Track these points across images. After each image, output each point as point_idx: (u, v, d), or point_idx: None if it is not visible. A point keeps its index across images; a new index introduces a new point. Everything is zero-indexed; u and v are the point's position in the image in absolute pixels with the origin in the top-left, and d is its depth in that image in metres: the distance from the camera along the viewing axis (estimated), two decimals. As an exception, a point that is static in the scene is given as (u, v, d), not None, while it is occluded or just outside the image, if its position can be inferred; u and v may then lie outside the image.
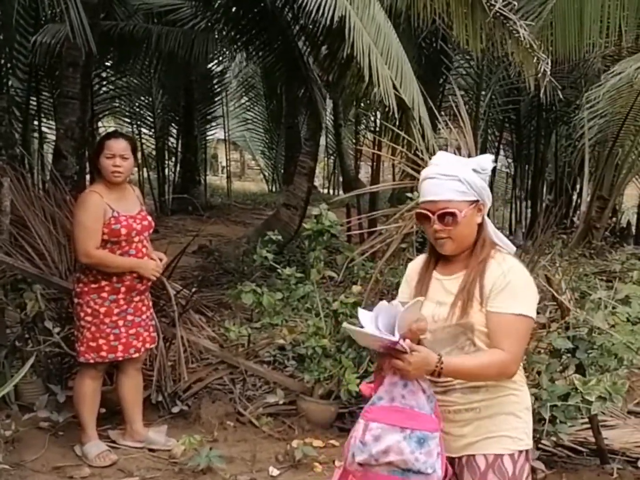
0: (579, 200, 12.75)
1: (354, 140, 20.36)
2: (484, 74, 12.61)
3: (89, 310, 4.89)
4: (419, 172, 6.00)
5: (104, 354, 4.94)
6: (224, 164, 25.75)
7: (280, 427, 5.71)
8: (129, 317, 5.00)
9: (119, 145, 4.88)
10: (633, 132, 11.03)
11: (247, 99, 21.62)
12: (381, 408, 2.63)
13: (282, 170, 21.52)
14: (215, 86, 18.39)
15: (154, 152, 17.66)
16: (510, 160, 16.39)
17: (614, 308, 5.58)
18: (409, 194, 5.89)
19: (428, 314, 2.71)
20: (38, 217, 5.72)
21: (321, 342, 5.62)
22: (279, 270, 6.19)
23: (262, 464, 5.15)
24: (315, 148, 13.08)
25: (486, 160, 2.78)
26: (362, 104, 12.97)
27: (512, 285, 2.68)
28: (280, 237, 6.32)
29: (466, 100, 13.08)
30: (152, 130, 17.10)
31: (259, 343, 6.39)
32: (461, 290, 2.72)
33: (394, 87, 8.26)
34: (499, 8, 7.29)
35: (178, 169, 17.88)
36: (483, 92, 12.69)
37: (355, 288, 5.76)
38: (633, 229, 14.56)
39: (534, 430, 4.79)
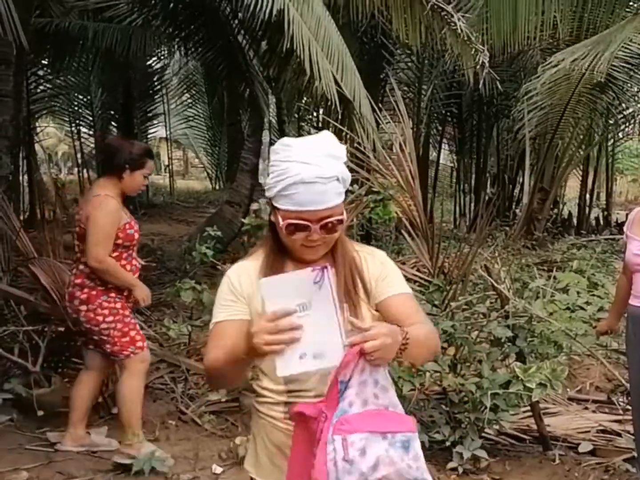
0: (520, 193, 12.86)
1: (297, 136, 20.29)
2: (425, 68, 12.63)
3: (106, 312, 4.81)
4: (362, 166, 6.01)
5: (140, 343, 4.90)
6: (167, 162, 25.57)
7: (223, 425, 5.63)
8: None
9: (153, 166, 4.98)
10: (572, 124, 11.14)
11: (188, 96, 21.38)
12: (356, 416, 2.12)
13: (226, 168, 21.36)
14: (155, 83, 18.18)
15: (94, 152, 17.40)
16: (453, 154, 16.47)
17: (552, 296, 5.63)
18: (349, 187, 5.83)
19: None
20: (-31, 216, 5.58)
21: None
22: (218, 267, 6.10)
23: (205, 462, 5.06)
24: (257, 145, 13.00)
25: (341, 146, 2.30)
26: (304, 99, 12.90)
27: (393, 272, 2.41)
28: (219, 233, 6.22)
29: (408, 94, 13.13)
30: (92, 129, 16.82)
31: (200, 340, 6.29)
32: (345, 293, 2.30)
33: (335, 80, 8.24)
34: (436, 1, 7.31)
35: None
36: (424, 87, 12.72)
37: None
38: (574, 220, 14.78)
39: (477, 419, 4.87)
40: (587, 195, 14.99)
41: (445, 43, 7.76)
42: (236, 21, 10.42)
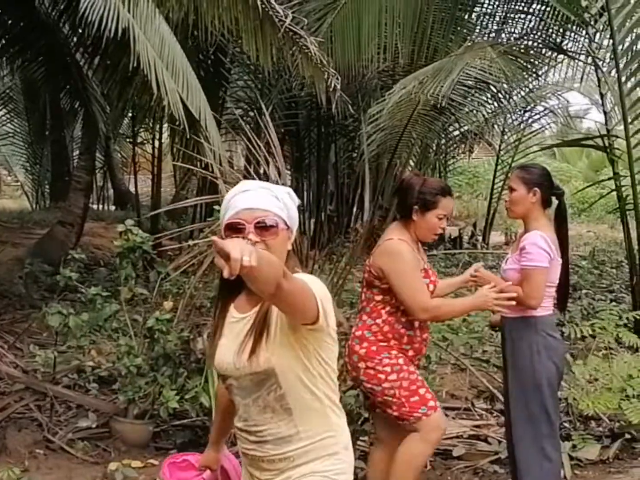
0: (360, 211, 13.24)
1: (122, 154, 19.92)
2: (265, 86, 12.79)
3: (388, 369, 4.22)
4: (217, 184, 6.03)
5: (432, 403, 4.25)
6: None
7: (94, 451, 5.51)
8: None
9: (452, 206, 4.40)
10: (409, 145, 11.67)
11: (5, 111, 20.44)
12: None
13: (49, 186, 20.58)
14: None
15: None
16: (289, 172, 16.66)
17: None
18: (216, 207, 5.87)
19: (229, 362, 2.53)
20: None
21: (135, 362, 5.46)
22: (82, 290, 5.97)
23: (80, 490, 4.97)
24: (91, 162, 12.71)
25: (295, 196, 2.61)
26: (146, 116, 12.74)
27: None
28: (84, 256, 6.08)
29: (248, 112, 13.28)
30: None
31: (64, 367, 6.11)
32: (250, 329, 2.49)
33: (181, 99, 8.23)
34: (289, 24, 7.44)
35: None
36: (263, 105, 12.84)
37: (167, 304, 5.66)
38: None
39: (354, 431, 5.02)
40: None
41: (294, 64, 7.90)
42: (74, 38, 10.12)
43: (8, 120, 20.62)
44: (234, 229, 2.44)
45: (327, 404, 2.54)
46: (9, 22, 10.44)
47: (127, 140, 18.05)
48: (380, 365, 4.20)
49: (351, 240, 11.53)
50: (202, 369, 5.37)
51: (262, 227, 2.43)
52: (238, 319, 2.55)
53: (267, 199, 2.47)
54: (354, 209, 13.70)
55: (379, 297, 4.28)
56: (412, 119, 9.88)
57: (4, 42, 10.68)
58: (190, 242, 6.00)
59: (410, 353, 4.29)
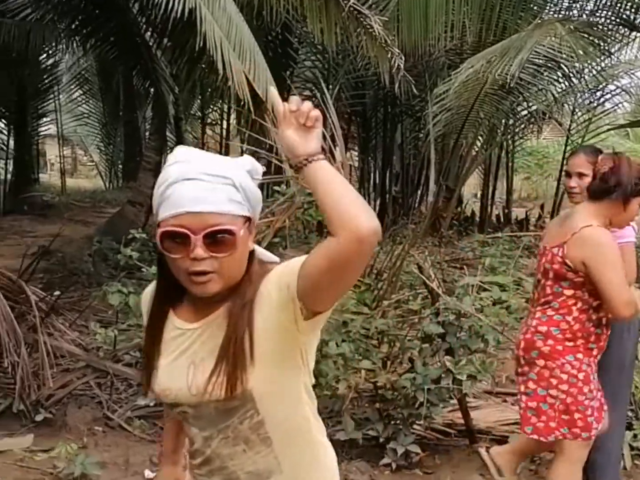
0: (425, 191, 13.13)
1: (193, 134, 20.10)
2: (331, 67, 12.74)
3: (564, 377, 3.84)
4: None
5: (577, 431, 3.87)
6: (52, 160, 24.81)
7: (151, 430, 5.54)
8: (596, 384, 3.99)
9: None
10: (475, 125, 11.51)
11: (81, 92, 20.87)
12: None
13: (121, 166, 20.96)
14: (46, 80, 17.60)
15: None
16: (355, 153, 16.55)
17: (478, 293, 5.79)
18: (277, 187, 5.87)
19: (180, 387, 1.91)
20: None
21: (193, 340, 5.49)
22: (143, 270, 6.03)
23: (137, 467, 4.99)
24: (161, 142, 12.84)
25: (258, 164, 1.92)
26: (214, 97, 12.81)
27: (289, 265, 1.87)
28: (145, 235, 6.15)
29: (314, 92, 13.22)
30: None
31: (125, 345, 6.19)
32: (224, 351, 1.84)
33: (247, 79, 8.24)
34: (353, 3, 7.39)
35: (11, 167, 16.99)
36: (330, 86, 12.80)
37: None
38: (477, 217, 15.19)
39: (410, 415, 4.97)
40: (490, 194, 15.43)
41: (359, 44, 7.85)
42: (144, 19, 10.24)
43: (84, 101, 21.09)
44: (174, 238, 1.78)
45: (312, 420, 2.03)
46: (82, 3, 10.63)
47: (198, 120, 18.25)
48: (560, 370, 3.85)
49: (414, 221, 11.51)
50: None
51: (214, 241, 1.78)
52: (184, 331, 1.93)
53: (223, 192, 1.78)
54: (419, 190, 13.60)
55: (569, 292, 3.87)
56: (479, 98, 9.74)
57: (77, 22, 10.90)
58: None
59: (595, 352, 3.92)
